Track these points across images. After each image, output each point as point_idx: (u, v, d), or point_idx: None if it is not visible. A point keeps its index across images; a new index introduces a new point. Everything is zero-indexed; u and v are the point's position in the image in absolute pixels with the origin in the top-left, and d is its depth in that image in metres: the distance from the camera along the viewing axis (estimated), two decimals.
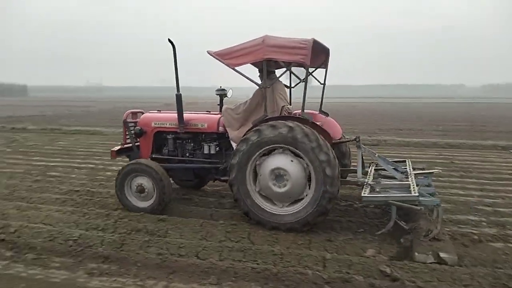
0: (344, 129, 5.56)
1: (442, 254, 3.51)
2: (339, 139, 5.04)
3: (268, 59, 4.42)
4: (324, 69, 5.39)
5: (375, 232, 4.33)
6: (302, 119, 4.44)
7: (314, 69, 5.37)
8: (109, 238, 4.07)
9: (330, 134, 4.76)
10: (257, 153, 4.39)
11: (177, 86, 4.96)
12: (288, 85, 5.49)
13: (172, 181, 5.39)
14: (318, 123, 4.79)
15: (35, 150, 10.22)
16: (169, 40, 4.81)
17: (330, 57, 5.29)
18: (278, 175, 4.33)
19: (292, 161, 4.31)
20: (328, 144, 4.23)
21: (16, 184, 6.54)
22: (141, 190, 4.94)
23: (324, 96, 5.61)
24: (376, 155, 4.95)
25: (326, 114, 5.35)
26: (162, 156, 5.45)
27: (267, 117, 4.49)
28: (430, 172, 5.08)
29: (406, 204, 4.02)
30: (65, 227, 4.43)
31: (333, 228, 4.54)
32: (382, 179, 4.88)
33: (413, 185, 4.26)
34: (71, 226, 4.51)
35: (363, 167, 5.00)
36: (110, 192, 5.87)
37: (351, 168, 5.31)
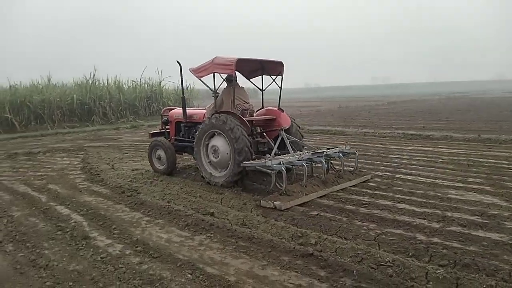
0: None
1: (275, 203, 5.05)
2: (283, 127, 6.76)
3: (215, 72, 6.51)
4: (280, 77, 7.23)
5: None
6: (232, 113, 6.28)
7: (275, 76, 7.29)
8: (434, 272, 3.19)
9: (276, 124, 6.97)
10: (204, 136, 6.42)
11: (182, 91, 7.69)
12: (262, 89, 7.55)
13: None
14: (270, 116, 7.06)
15: None
16: (178, 62, 7.10)
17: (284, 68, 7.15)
18: (215, 150, 6.28)
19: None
20: (241, 128, 5.95)
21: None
22: (159, 157, 7.50)
23: (281, 97, 7.34)
24: (288, 140, 6.51)
25: (282, 110, 7.12)
26: (179, 137, 7.71)
27: (216, 111, 6.46)
28: (321, 152, 6.28)
29: (263, 169, 5.55)
30: (366, 244, 3.83)
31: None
32: (288, 155, 6.08)
33: (286, 159, 5.73)
34: (371, 244, 3.87)
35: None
36: (398, 206, 5.08)
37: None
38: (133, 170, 7.94)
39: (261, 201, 5.20)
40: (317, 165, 6.42)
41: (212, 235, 4.30)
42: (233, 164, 5.96)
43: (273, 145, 6.56)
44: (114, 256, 3.80)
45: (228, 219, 4.74)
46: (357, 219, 4.61)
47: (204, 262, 3.62)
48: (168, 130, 8.02)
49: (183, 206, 5.34)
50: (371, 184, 6.27)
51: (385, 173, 7.06)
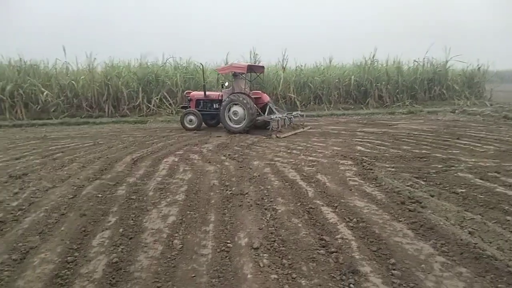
0: None
1: (273, 135, 10.72)
2: (265, 102, 12.44)
3: (232, 71, 12.49)
4: (262, 74, 14.23)
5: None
6: (243, 93, 11.68)
7: (258, 74, 13.77)
8: None
9: (261, 99, 12.37)
10: (227, 105, 11.53)
11: (203, 79, 13.65)
12: (250, 79, 13.32)
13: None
14: (258, 96, 12.44)
15: None
16: (200, 63, 15.65)
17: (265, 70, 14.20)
18: (235, 113, 11.51)
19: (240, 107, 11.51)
20: (251, 101, 11.48)
21: None
22: (190, 120, 12.56)
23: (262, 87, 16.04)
24: (273, 107, 12.65)
25: (263, 92, 13.34)
26: (198, 109, 12.91)
27: (232, 92, 11.93)
28: (290, 113, 12.95)
29: (267, 119, 11.69)
30: None
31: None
32: (278, 114, 12.15)
33: (275, 117, 11.66)
34: None
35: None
36: None
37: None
38: (412, 170, 6.34)
39: (267, 135, 10.86)
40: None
41: None
42: (247, 120, 11.32)
43: (260, 112, 11.92)
44: None
45: None
46: None
47: None
48: (189, 105, 13.04)
49: (497, 248, 3.44)
50: None
51: None
